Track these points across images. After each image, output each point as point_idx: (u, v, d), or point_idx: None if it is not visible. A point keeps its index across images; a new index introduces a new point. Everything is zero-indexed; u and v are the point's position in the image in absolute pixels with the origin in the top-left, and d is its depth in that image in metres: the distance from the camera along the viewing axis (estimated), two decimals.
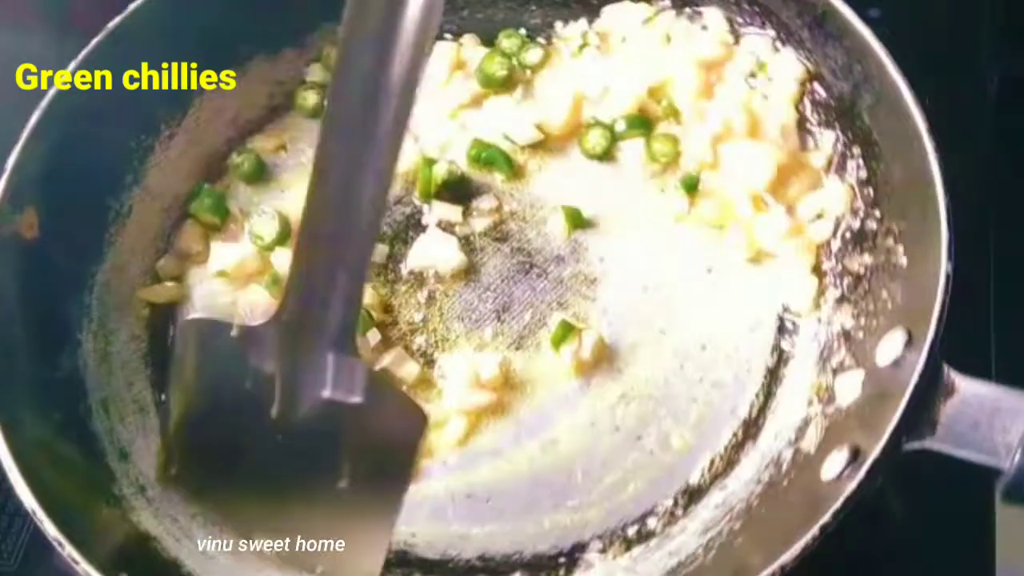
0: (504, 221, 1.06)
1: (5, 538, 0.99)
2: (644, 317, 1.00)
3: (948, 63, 0.85)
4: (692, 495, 0.92)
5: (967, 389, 0.77)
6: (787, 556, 0.74)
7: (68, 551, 0.79)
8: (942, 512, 0.75)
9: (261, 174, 1.10)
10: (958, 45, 0.86)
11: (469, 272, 1.03)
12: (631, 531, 0.91)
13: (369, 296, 1.01)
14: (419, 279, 1.04)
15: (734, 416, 0.95)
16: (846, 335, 0.94)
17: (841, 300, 0.96)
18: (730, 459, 0.93)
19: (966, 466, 0.75)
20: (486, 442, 0.96)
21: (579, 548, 0.91)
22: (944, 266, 0.82)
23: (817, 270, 0.99)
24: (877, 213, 0.96)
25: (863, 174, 0.98)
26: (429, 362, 0.99)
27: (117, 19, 1.01)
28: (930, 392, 0.78)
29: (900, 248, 0.91)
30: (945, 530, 0.87)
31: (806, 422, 0.91)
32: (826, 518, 0.74)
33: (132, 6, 1.02)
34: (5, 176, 0.93)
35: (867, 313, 0.93)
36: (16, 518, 0.99)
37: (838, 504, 0.75)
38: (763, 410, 0.95)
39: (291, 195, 1.09)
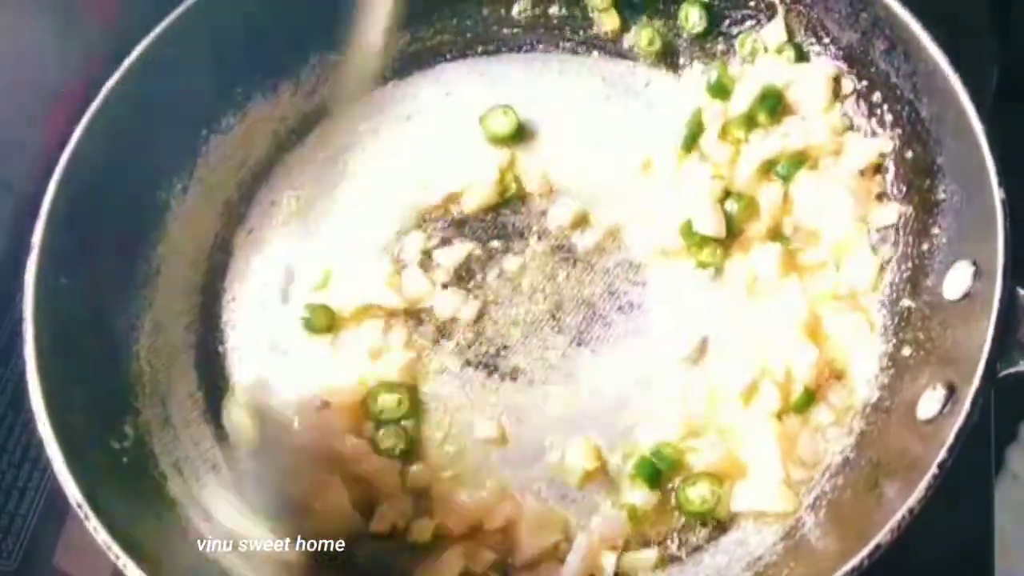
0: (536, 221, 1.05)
1: (5, 538, 0.96)
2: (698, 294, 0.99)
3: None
4: None
5: None
6: (912, 499, 0.74)
7: None
8: (942, 512, 0.75)
9: None
10: (958, 43, 0.89)
11: (514, 276, 1.02)
12: None
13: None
14: (464, 288, 1.02)
15: None
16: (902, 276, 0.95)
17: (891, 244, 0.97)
18: None
19: (966, 466, 0.76)
20: None
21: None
22: (996, 192, 0.83)
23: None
24: (909, 153, 0.97)
25: (889, 117, 0.99)
26: (492, 369, 0.99)
27: (116, 76, 0.98)
28: (1012, 317, 0.79)
29: (940, 185, 0.92)
30: (945, 530, 0.87)
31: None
32: (942, 455, 0.75)
33: (127, 61, 0.99)
34: (35, 253, 0.90)
35: (919, 253, 0.93)
36: (16, 518, 0.97)
37: (951, 439, 0.75)
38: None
39: None
